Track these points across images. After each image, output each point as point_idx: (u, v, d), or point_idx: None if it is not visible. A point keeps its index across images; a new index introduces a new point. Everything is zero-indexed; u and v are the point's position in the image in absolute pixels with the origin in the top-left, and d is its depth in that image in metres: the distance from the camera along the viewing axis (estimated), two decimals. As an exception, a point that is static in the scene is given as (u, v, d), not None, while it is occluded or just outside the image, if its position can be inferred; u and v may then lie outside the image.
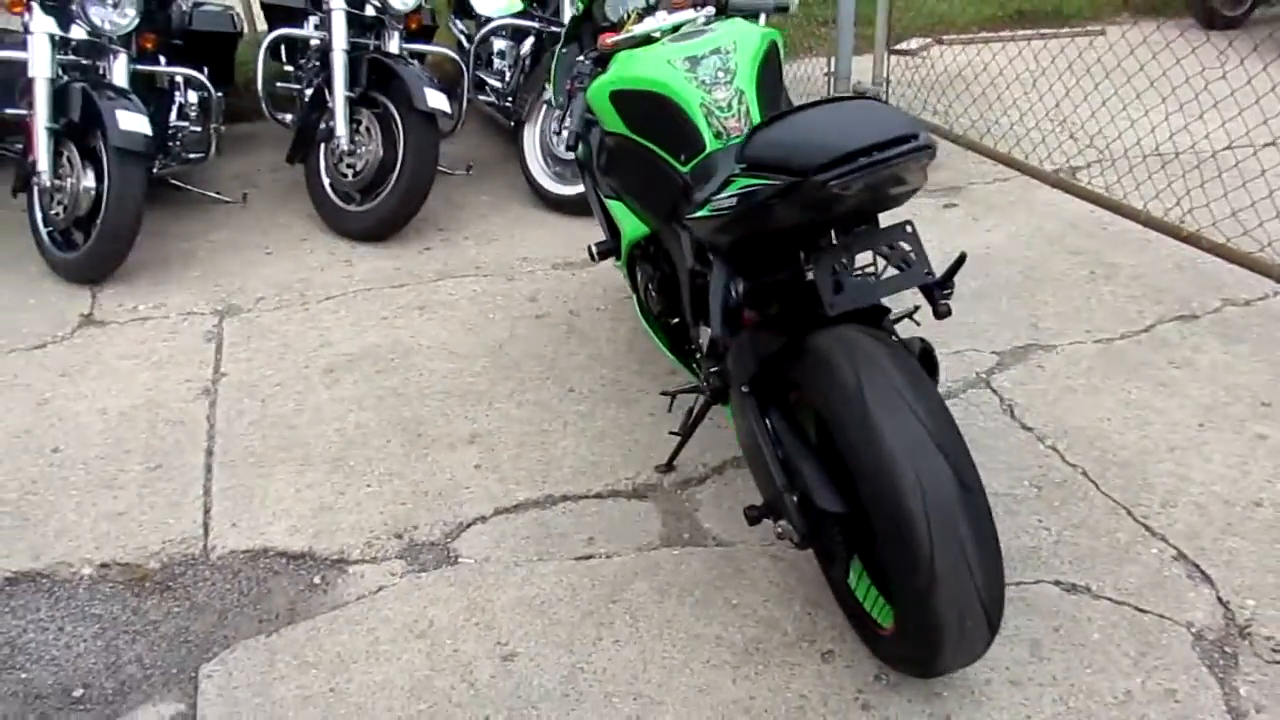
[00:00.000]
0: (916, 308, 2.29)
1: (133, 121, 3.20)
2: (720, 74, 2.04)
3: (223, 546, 2.23)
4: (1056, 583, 2.05)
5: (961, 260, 1.82)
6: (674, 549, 2.18)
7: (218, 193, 4.12)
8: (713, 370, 1.86)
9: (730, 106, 2.01)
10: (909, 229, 1.59)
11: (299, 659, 1.93)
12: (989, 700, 1.79)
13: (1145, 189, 3.48)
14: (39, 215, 3.46)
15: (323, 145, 3.74)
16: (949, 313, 1.80)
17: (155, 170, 3.80)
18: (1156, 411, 2.56)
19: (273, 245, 3.72)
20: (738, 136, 1.99)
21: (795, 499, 1.76)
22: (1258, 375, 2.68)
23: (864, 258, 1.76)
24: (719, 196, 1.69)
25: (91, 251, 3.32)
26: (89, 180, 3.31)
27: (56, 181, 3.35)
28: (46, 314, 3.23)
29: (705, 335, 2.09)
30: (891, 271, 1.63)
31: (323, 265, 3.55)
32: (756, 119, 2.01)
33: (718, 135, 2.00)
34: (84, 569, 2.18)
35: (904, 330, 2.02)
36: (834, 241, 1.64)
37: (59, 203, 3.37)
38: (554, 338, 3.02)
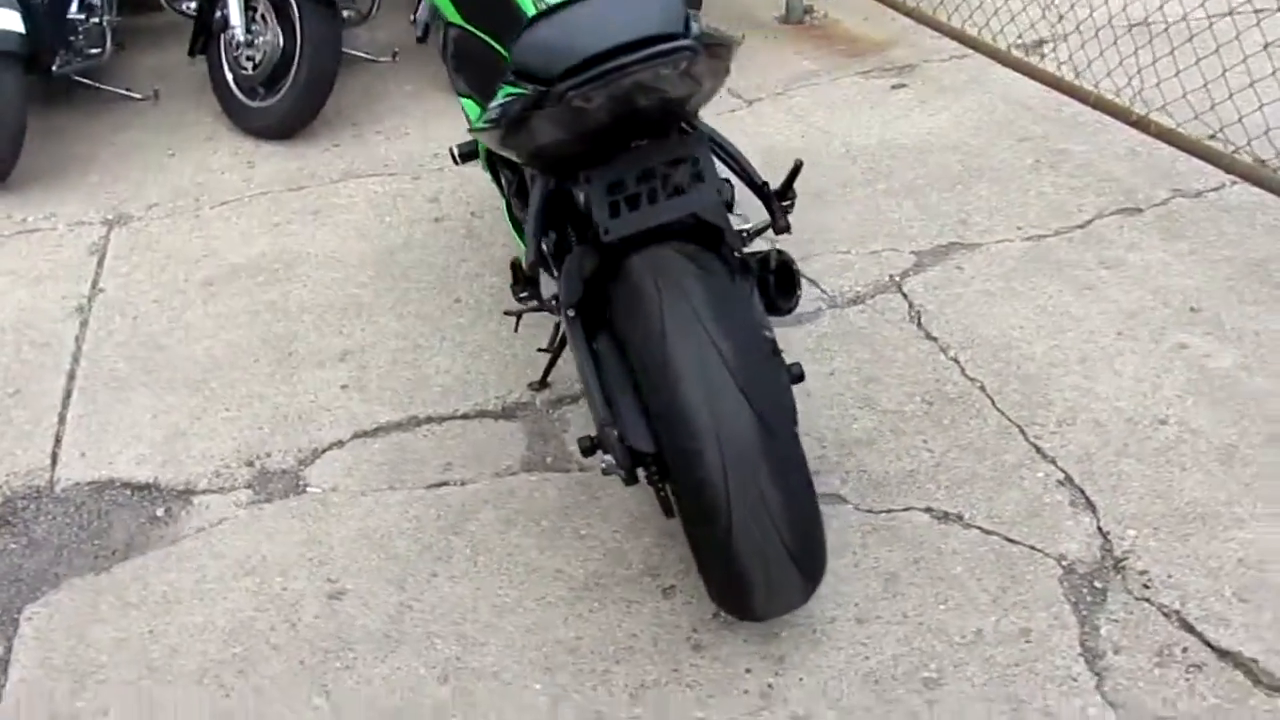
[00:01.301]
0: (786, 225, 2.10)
1: (3, 19, 2.99)
2: None
3: (68, 478, 2.14)
4: (928, 510, 1.92)
5: (798, 168, 1.63)
6: (532, 474, 2.07)
7: (128, 89, 3.90)
8: (520, 295, 1.69)
9: None
10: (700, 142, 1.39)
11: (122, 599, 1.86)
12: (828, 640, 1.68)
13: (1099, 65, 3.19)
14: None
15: (220, 37, 3.51)
16: (788, 228, 1.62)
17: (56, 68, 3.59)
18: (1074, 318, 2.37)
19: (176, 146, 3.53)
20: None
21: (616, 434, 1.62)
22: (1191, 277, 2.47)
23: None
24: (490, 105, 1.49)
25: None
26: None
27: None
28: (-69, 226, 3.10)
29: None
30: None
31: (224, 168, 3.36)
32: None
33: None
34: (-80, 501, 2.11)
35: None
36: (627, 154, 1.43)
37: None
38: (449, 244, 2.85)
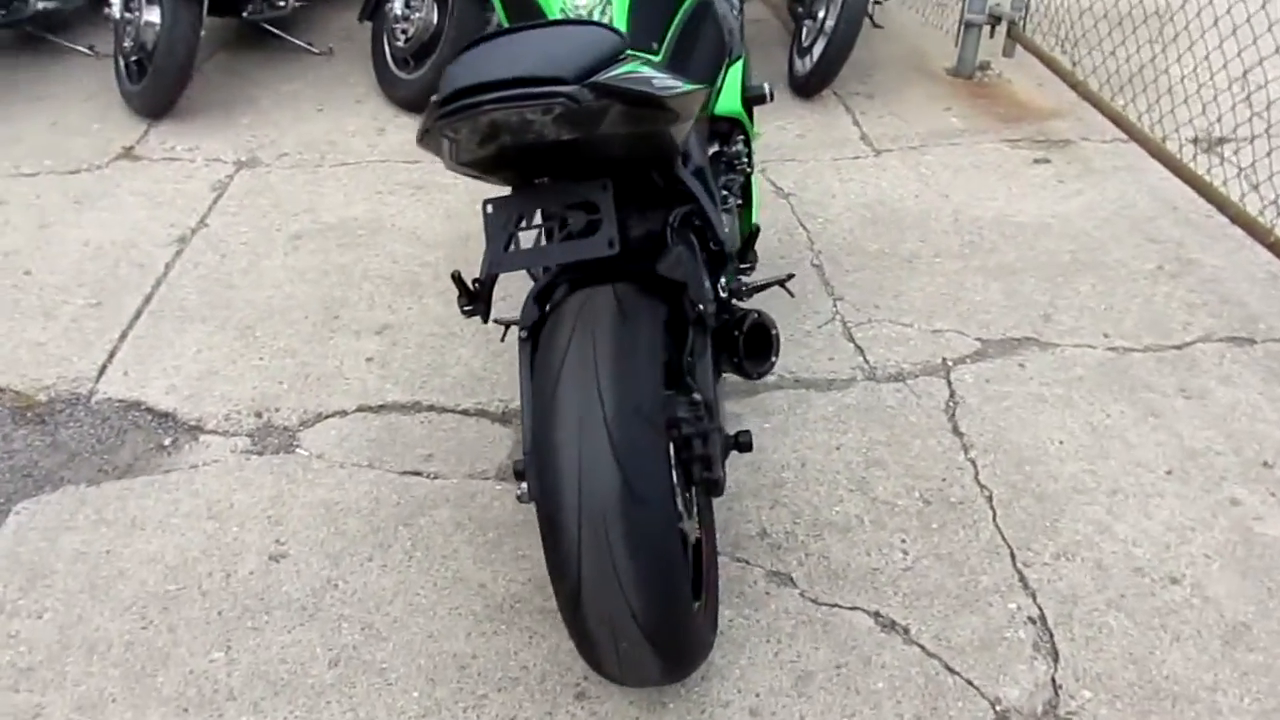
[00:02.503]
0: (790, 275, 2.01)
1: None
2: None
3: (105, 393, 2.33)
4: (875, 614, 1.79)
5: (755, 233, 1.54)
6: (500, 483, 2.07)
7: (309, 43, 4.19)
8: (465, 309, 1.67)
9: (590, 14, 1.76)
10: (605, 188, 1.33)
11: (99, 515, 2.00)
12: (711, 726, 1.61)
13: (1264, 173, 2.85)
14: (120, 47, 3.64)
15: (384, 6, 3.70)
16: (741, 292, 1.54)
17: (246, 14, 3.91)
18: (1125, 444, 2.15)
19: (326, 103, 3.75)
20: (594, 54, 1.75)
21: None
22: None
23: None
24: None
25: (146, 88, 3.47)
26: (152, 16, 3.43)
27: (128, 15, 3.50)
28: (95, 142, 3.42)
29: None
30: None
31: (357, 130, 3.55)
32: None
33: None
34: (-17, 388, 2.34)
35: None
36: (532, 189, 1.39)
37: (130, 37, 3.52)
38: (523, 241, 2.89)
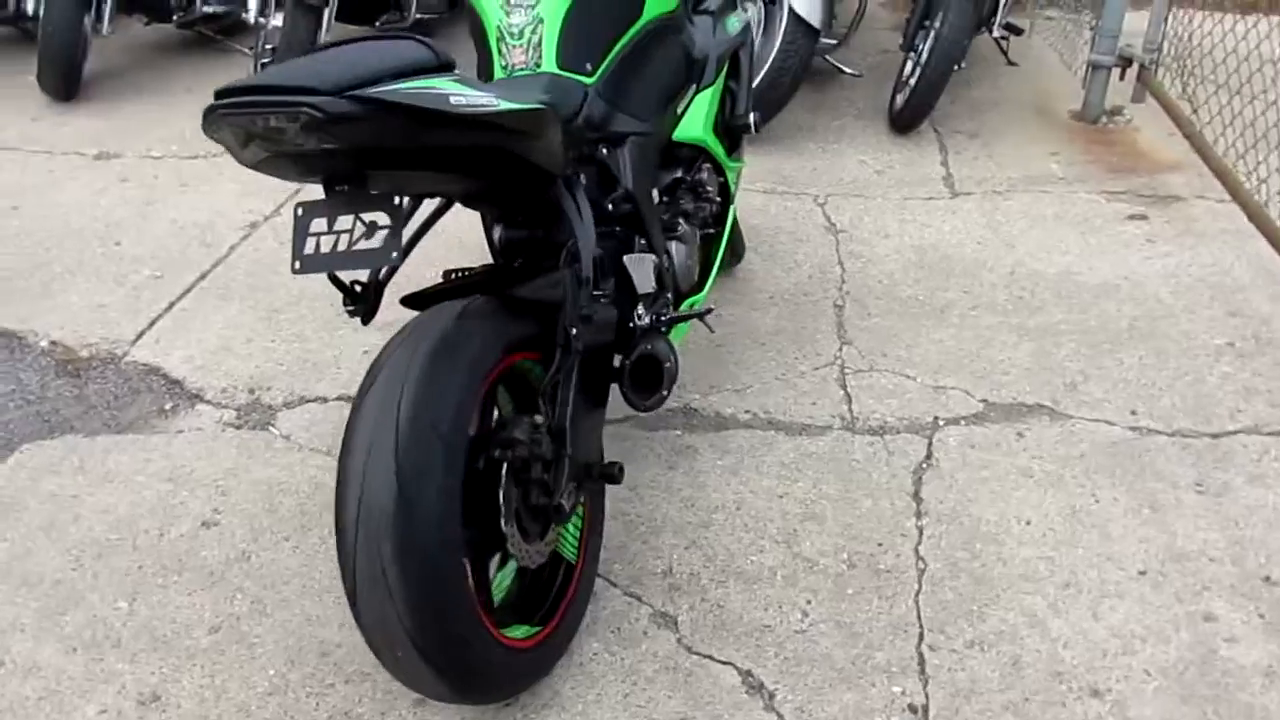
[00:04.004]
0: (709, 310, 1.93)
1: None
2: None
3: (135, 357, 2.55)
4: (746, 674, 1.69)
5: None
6: (436, 486, 2.11)
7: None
8: (347, 309, 1.71)
9: (522, 35, 1.77)
10: (396, 201, 1.33)
11: (82, 464, 2.19)
12: (527, 755, 1.57)
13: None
14: None
15: None
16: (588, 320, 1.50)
17: (378, 25, 4.18)
18: (1103, 535, 1.92)
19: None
20: (523, 70, 1.77)
21: None
22: (1301, 540, 1.89)
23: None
24: None
25: None
26: (278, 21, 3.71)
27: (262, 20, 3.82)
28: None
29: None
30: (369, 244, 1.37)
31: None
32: (551, 56, 1.76)
33: (505, 68, 1.79)
34: (42, 341, 2.61)
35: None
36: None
37: (264, 39, 3.83)
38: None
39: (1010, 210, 3.08)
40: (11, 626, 1.81)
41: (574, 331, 1.56)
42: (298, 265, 1.34)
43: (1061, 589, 1.82)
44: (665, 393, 1.72)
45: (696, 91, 2.02)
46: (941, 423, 2.23)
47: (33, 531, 2.01)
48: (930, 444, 2.17)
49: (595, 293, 1.52)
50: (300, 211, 1.35)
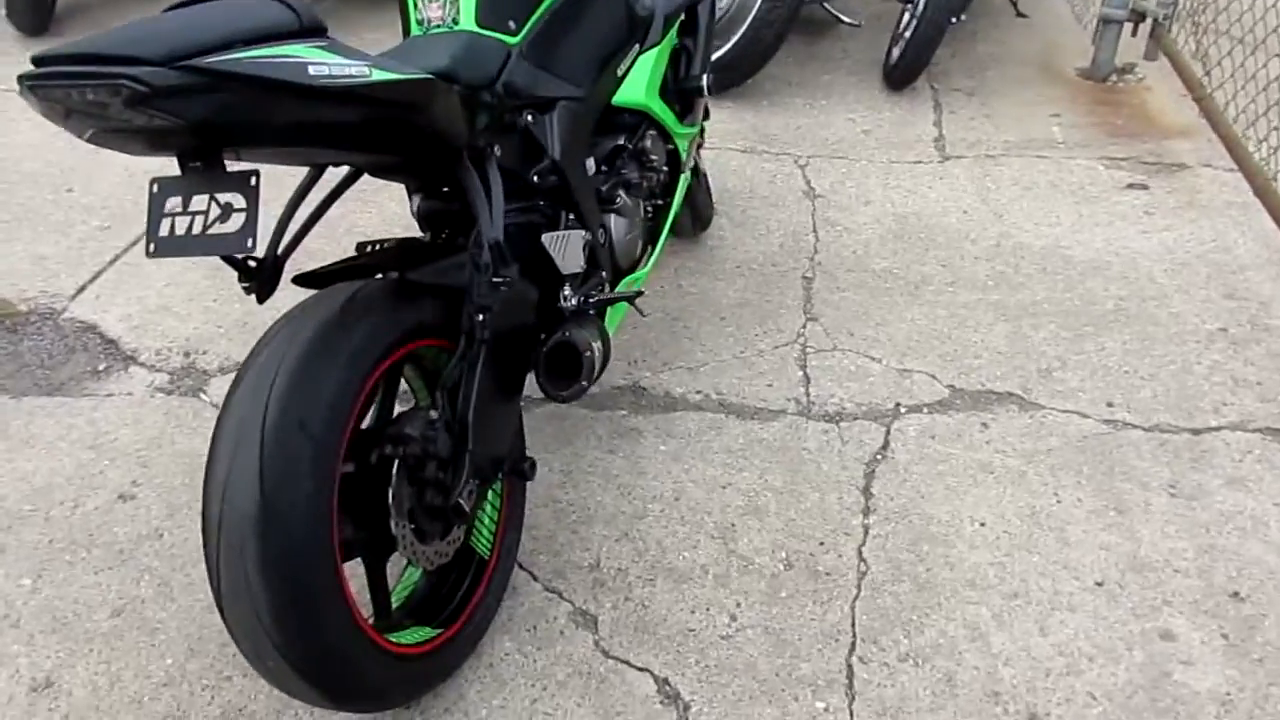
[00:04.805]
0: (639, 292, 1.80)
1: None
2: None
3: (73, 313, 2.46)
4: (664, 682, 1.60)
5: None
6: (365, 464, 2.02)
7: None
8: (243, 285, 1.60)
9: None
10: (252, 181, 1.20)
11: (5, 428, 2.11)
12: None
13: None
14: None
15: None
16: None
17: None
18: (1061, 540, 1.81)
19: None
20: (439, 27, 1.62)
21: None
22: None
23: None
24: None
25: None
26: None
27: None
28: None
29: None
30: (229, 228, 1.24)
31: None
32: (470, 12, 1.60)
33: (420, 23, 1.64)
34: (-21, 293, 2.53)
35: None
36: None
37: None
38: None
39: (1001, 177, 2.91)
40: (-91, 603, 1.74)
41: (480, 319, 1.44)
42: (152, 248, 1.22)
43: (1009, 599, 1.71)
44: (585, 383, 1.60)
45: (640, 51, 1.86)
46: (903, 410, 2.11)
47: (-56, 499, 1.94)
48: (888, 433, 2.05)
49: (499, 276, 1.39)
50: (155, 189, 1.23)
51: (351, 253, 1.72)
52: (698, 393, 2.17)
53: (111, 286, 2.54)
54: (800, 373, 2.21)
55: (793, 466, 1.98)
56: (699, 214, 2.52)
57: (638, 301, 1.86)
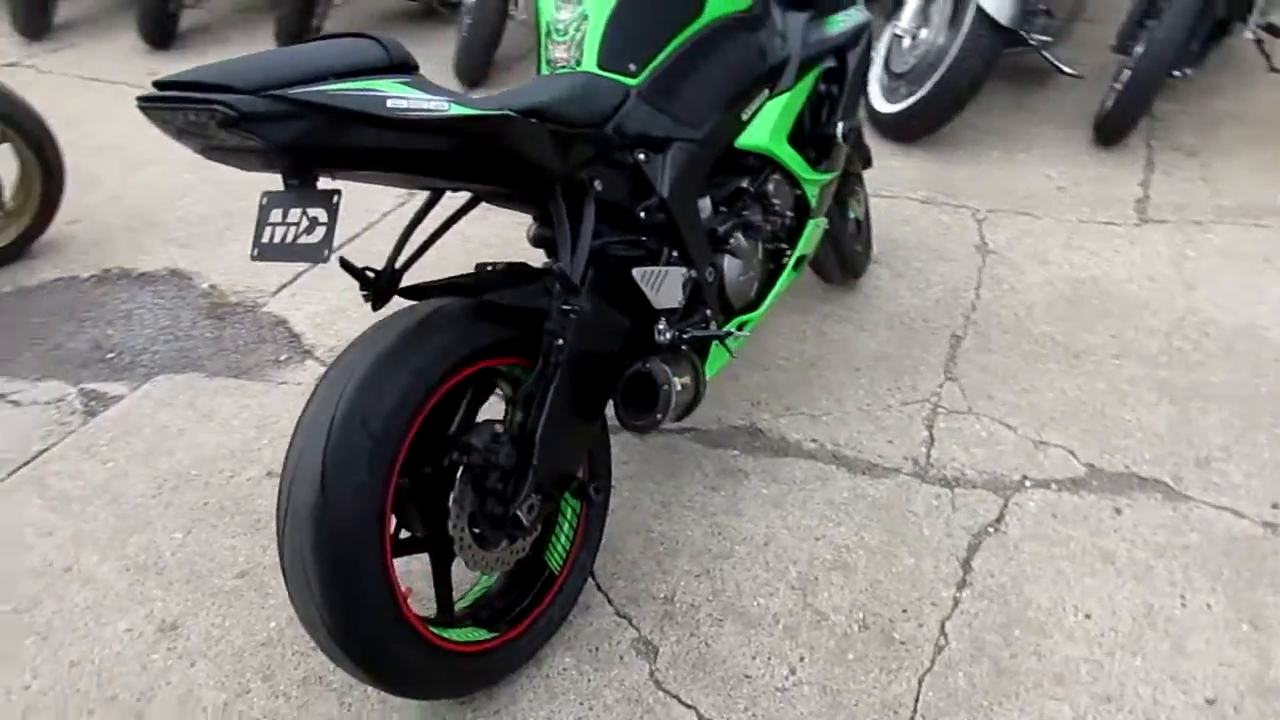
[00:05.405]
0: (728, 333, 1.79)
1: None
2: None
3: (271, 308, 2.75)
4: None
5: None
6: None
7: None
8: (363, 294, 1.73)
9: (566, 31, 1.71)
10: (334, 200, 1.30)
11: (193, 401, 2.39)
12: (461, 758, 1.56)
13: None
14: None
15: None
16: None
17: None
18: (1176, 647, 1.63)
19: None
20: (564, 68, 1.71)
21: None
22: None
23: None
24: None
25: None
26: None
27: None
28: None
29: None
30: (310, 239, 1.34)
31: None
32: (593, 54, 1.69)
33: (549, 63, 1.74)
34: (204, 284, 2.89)
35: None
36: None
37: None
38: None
39: (1205, 245, 2.66)
40: (90, 539, 2.02)
41: (558, 343, 1.51)
42: (255, 252, 1.38)
43: (1098, 701, 1.56)
44: (659, 416, 1.63)
45: (770, 96, 1.88)
46: (1028, 484, 1.98)
47: (135, 456, 2.23)
48: (1005, 506, 1.93)
49: (567, 305, 1.46)
50: (264, 200, 1.39)
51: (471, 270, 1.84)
52: (813, 441, 2.13)
53: (307, 288, 2.83)
54: (925, 433, 2.13)
55: (893, 527, 1.91)
56: (847, 261, 2.47)
57: (732, 343, 1.87)
